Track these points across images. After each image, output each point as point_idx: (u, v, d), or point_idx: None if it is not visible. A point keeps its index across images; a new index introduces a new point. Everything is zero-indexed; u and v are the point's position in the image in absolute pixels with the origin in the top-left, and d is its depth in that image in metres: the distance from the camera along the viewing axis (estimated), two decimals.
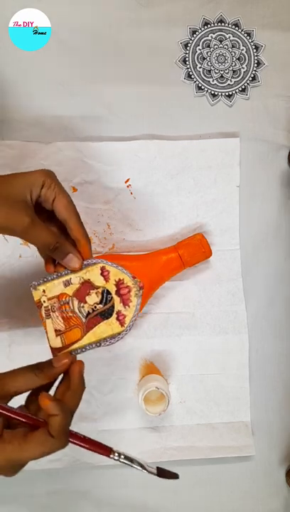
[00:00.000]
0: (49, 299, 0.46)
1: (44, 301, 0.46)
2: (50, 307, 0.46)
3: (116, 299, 0.45)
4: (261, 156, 0.61)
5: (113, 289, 0.45)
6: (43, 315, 0.46)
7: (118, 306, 0.44)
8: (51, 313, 0.46)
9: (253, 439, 0.59)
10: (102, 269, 0.45)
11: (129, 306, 0.45)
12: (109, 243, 0.59)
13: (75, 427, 0.58)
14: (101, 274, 0.45)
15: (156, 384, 0.54)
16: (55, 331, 0.45)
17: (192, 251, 0.52)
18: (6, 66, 0.59)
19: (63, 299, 0.45)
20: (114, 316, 0.44)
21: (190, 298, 0.60)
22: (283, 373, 0.61)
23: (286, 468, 0.60)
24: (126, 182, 0.59)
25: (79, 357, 0.45)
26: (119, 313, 0.44)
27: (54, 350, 0.46)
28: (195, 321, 0.60)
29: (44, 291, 0.46)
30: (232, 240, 0.60)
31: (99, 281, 0.45)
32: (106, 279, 0.45)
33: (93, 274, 0.45)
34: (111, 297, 0.45)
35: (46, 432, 0.38)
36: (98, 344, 0.45)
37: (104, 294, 0.45)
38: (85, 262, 0.45)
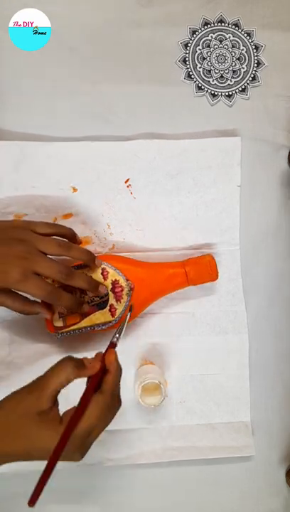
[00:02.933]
0: (58, 286, 0.51)
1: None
2: None
3: (111, 295, 0.53)
4: (261, 156, 0.61)
5: (109, 287, 0.53)
6: None
7: (112, 300, 0.53)
8: None
9: (253, 439, 0.59)
10: (103, 269, 0.53)
11: (120, 302, 0.53)
12: (109, 243, 0.59)
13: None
14: (102, 273, 0.53)
15: (152, 375, 0.54)
16: (59, 313, 0.53)
17: (199, 270, 0.55)
18: (6, 66, 0.59)
19: (68, 288, 0.51)
20: (108, 308, 0.53)
21: (190, 298, 0.60)
22: (283, 373, 0.61)
23: (286, 468, 0.60)
24: (126, 182, 0.59)
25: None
26: (111, 306, 0.53)
27: (53, 329, 0.53)
28: (195, 321, 0.60)
29: (53, 280, 0.51)
30: (232, 240, 0.60)
31: (99, 278, 0.53)
32: (105, 278, 0.53)
33: (95, 273, 0.53)
34: (107, 293, 0.52)
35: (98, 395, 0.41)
36: (92, 328, 0.53)
37: None
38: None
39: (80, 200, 0.59)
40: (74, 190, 0.59)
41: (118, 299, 0.53)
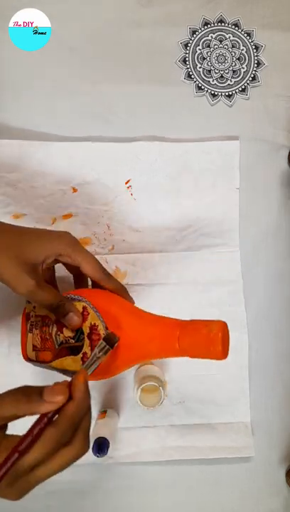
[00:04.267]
0: (36, 316, 0.48)
1: (32, 316, 0.48)
2: (34, 323, 0.48)
3: (86, 341, 0.44)
4: (261, 156, 0.61)
5: (86, 331, 0.44)
6: (27, 328, 0.48)
7: (86, 347, 0.44)
8: (34, 329, 0.48)
9: (253, 439, 0.59)
10: (84, 308, 0.45)
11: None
12: (109, 244, 0.59)
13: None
14: (82, 312, 0.45)
15: (153, 377, 0.54)
16: (33, 346, 0.47)
17: (194, 341, 0.41)
18: (6, 66, 0.59)
19: (46, 321, 0.47)
20: (80, 355, 0.44)
21: (189, 298, 0.60)
22: (283, 373, 0.61)
23: (286, 468, 0.60)
24: (126, 183, 0.59)
25: None
26: (84, 354, 0.44)
27: (26, 358, 0.48)
28: None
29: (34, 307, 0.48)
30: (231, 242, 0.60)
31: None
32: (85, 319, 0.44)
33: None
34: (83, 337, 0.44)
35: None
36: (63, 372, 0.45)
37: (78, 333, 0.45)
38: (73, 296, 0.46)
39: (80, 201, 0.59)
40: (74, 190, 0.59)
41: (93, 349, 0.42)
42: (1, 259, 0.41)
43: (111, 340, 0.41)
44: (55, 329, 0.46)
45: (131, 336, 0.43)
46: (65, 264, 0.47)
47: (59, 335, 0.46)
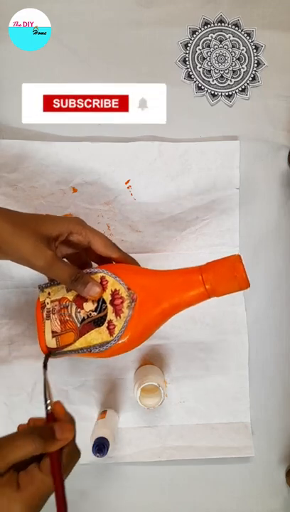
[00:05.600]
0: (52, 302, 0.47)
1: (47, 303, 0.47)
2: (51, 309, 0.47)
3: (110, 309, 0.44)
4: (261, 156, 0.61)
5: (108, 299, 0.44)
6: (44, 316, 0.47)
7: (110, 315, 0.44)
8: (51, 314, 0.47)
9: (253, 439, 0.59)
10: (102, 278, 0.45)
11: (120, 317, 0.43)
12: None
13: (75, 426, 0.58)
14: (101, 283, 0.45)
15: (151, 377, 0.54)
16: (52, 332, 0.46)
17: (221, 280, 0.42)
18: (6, 66, 0.59)
19: (64, 303, 0.46)
20: (105, 324, 0.44)
21: None
22: (282, 373, 0.61)
23: (285, 469, 0.60)
24: (126, 183, 0.59)
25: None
26: (110, 322, 0.44)
27: (46, 349, 0.47)
28: (195, 321, 0.60)
29: (49, 293, 0.47)
30: (231, 242, 0.60)
31: None
32: (104, 287, 0.45)
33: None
34: (106, 306, 0.44)
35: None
36: (89, 350, 0.45)
37: (100, 303, 0.45)
38: (88, 270, 0.46)
39: (80, 201, 0.59)
40: (74, 190, 0.59)
41: (117, 314, 0.43)
42: (19, 234, 0.42)
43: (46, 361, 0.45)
44: (74, 307, 0.46)
45: (156, 293, 0.43)
46: (74, 245, 0.47)
47: (79, 312, 0.45)
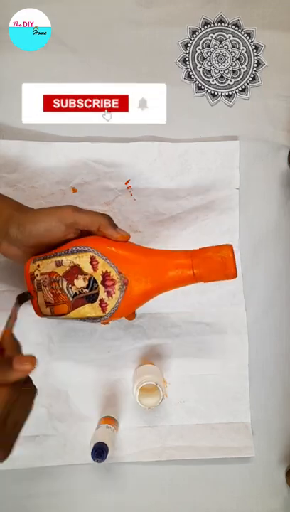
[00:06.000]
0: (41, 274, 0.48)
1: (37, 275, 0.49)
2: (41, 281, 0.49)
3: (101, 288, 0.46)
4: (261, 156, 0.61)
5: (99, 279, 0.46)
6: (35, 287, 0.49)
7: (102, 294, 0.46)
8: (42, 287, 0.49)
9: (253, 439, 0.59)
10: (92, 258, 0.46)
11: (111, 297, 0.46)
12: None
13: (75, 426, 0.58)
14: (91, 262, 0.46)
15: (151, 377, 0.54)
16: (45, 302, 0.49)
17: (210, 266, 0.44)
18: (6, 66, 0.59)
19: (54, 277, 0.48)
20: (98, 302, 0.46)
21: (189, 298, 0.60)
22: (282, 373, 0.61)
23: (285, 469, 0.60)
24: (126, 183, 0.59)
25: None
26: (102, 300, 0.46)
27: (41, 315, 0.50)
28: (195, 321, 0.60)
29: (39, 266, 0.49)
30: (231, 242, 0.59)
31: (87, 268, 0.46)
32: (95, 268, 0.46)
33: (83, 261, 0.46)
34: (97, 285, 0.46)
35: None
36: (82, 320, 0.48)
37: (91, 281, 0.46)
38: (78, 248, 0.47)
39: (80, 201, 0.59)
40: (74, 190, 0.59)
41: (109, 294, 0.46)
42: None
43: (24, 298, 0.48)
44: (65, 283, 0.47)
45: (146, 275, 0.45)
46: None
47: (71, 287, 0.47)
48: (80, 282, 0.47)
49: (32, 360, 0.39)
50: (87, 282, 0.46)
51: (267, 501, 0.60)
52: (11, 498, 0.58)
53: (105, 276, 0.46)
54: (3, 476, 0.57)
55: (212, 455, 0.58)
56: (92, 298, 0.46)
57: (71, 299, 0.48)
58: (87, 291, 0.47)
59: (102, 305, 0.46)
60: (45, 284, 0.48)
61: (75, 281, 0.47)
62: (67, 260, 0.47)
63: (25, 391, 0.40)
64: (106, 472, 0.59)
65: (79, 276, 0.47)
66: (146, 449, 0.58)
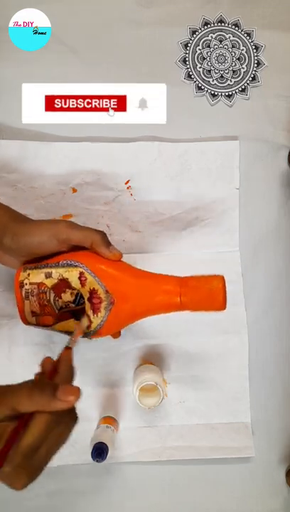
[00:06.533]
0: (30, 284, 0.48)
1: (26, 284, 0.49)
2: (30, 291, 0.48)
3: (88, 305, 0.46)
4: (261, 156, 0.61)
5: (86, 295, 0.46)
6: (23, 295, 0.49)
7: (88, 310, 0.46)
8: (30, 296, 0.48)
9: (253, 439, 0.59)
10: (81, 274, 0.46)
11: (97, 315, 0.46)
12: None
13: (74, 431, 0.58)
14: (79, 278, 0.46)
15: (151, 377, 0.54)
16: (31, 312, 0.48)
17: (197, 297, 0.43)
18: (6, 66, 0.59)
19: (42, 288, 0.48)
20: (84, 318, 0.46)
21: None
22: (282, 373, 0.61)
23: (285, 469, 0.60)
24: (126, 183, 0.59)
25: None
26: (88, 317, 0.46)
27: (26, 323, 0.49)
28: (195, 321, 0.60)
29: (29, 275, 0.49)
30: (231, 242, 0.60)
31: (75, 283, 0.46)
32: (83, 284, 0.46)
33: (71, 275, 0.46)
34: (84, 301, 0.46)
35: None
36: (66, 333, 0.48)
37: (78, 297, 0.46)
38: (68, 262, 0.47)
39: (80, 201, 0.59)
40: (74, 190, 0.59)
41: (95, 311, 0.45)
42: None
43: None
44: (52, 295, 0.47)
45: (133, 294, 0.45)
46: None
47: (58, 300, 0.47)
48: (67, 296, 0.47)
49: (77, 392, 0.37)
50: (74, 297, 0.47)
51: (267, 501, 0.60)
52: (10, 498, 0.58)
53: (92, 293, 0.45)
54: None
55: (212, 455, 0.58)
56: (77, 313, 0.46)
57: (56, 311, 0.48)
58: (74, 305, 0.47)
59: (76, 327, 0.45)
60: (33, 294, 0.48)
61: (62, 294, 0.47)
62: (57, 273, 0.47)
63: (65, 420, 0.38)
64: (106, 472, 0.59)
65: (66, 290, 0.47)
66: (146, 449, 0.58)
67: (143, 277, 0.46)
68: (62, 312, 0.47)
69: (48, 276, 0.47)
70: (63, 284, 0.47)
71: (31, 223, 0.48)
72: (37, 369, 0.42)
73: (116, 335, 0.53)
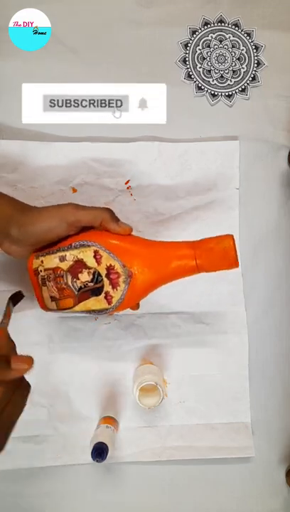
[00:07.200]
0: (45, 270, 0.49)
1: (41, 271, 0.49)
2: (46, 277, 0.49)
3: (106, 281, 0.47)
4: (261, 156, 0.61)
5: (104, 272, 0.46)
6: (39, 282, 0.50)
7: (107, 287, 0.47)
8: (47, 282, 0.49)
9: (253, 439, 0.59)
10: (95, 252, 0.47)
11: (116, 290, 0.46)
12: None
13: (75, 426, 0.58)
14: (94, 256, 0.47)
15: (151, 377, 0.54)
16: (50, 297, 0.49)
17: (212, 256, 0.44)
18: (6, 66, 0.59)
19: (58, 272, 0.48)
20: (103, 295, 0.47)
21: (189, 298, 0.60)
22: (282, 373, 0.61)
23: (285, 469, 0.60)
24: (126, 183, 0.59)
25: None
26: (107, 293, 0.47)
27: (47, 309, 0.51)
28: (195, 321, 0.60)
29: (42, 261, 0.49)
30: None
31: (91, 262, 0.47)
32: (99, 262, 0.47)
33: (86, 255, 0.47)
34: (102, 279, 0.47)
35: None
36: (88, 313, 0.49)
37: (95, 275, 0.47)
38: (81, 243, 0.47)
39: (80, 201, 0.58)
40: (74, 190, 0.59)
41: (114, 286, 0.46)
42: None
43: (17, 297, 0.49)
44: (70, 277, 0.48)
45: (150, 267, 0.46)
46: None
47: (76, 281, 0.48)
48: (85, 276, 0.47)
49: (29, 360, 0.39)
50: (91, 276, 0.47)
51: (267, 501, 0.60)
52: (10, 497, 0.58)
53: (109, 269, 0.46)
54: (3, 475, 0.57)
55: (212, 455, 0.58)
56: (97, 291, 0.47)
57: (76, 293, 0.48)
58: (92, 284, 0.47)
59: (108, 298, 0.47)
60: (50, 279, 0.49)
61: (80, 275, 0.47)
62: (71, 255, 0.47)
63: (19, 389, 0.40)
64: (106, 472, 0.59)
65: (83, 270, 0.47)
66: (146, 449, 0.58)
67: (157, 246, 0.47)
68: (82, 292, 0.48)
69: (63, 259, 0.48)
70: (79, 264, 0.47)
71: (37, 211, 0.47)
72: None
73: (136, 307, 0.53)
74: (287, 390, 0.61)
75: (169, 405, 0.59)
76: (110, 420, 0.57)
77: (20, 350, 0.58)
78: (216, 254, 0.44)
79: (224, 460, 0.58)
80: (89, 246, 0.47)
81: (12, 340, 0.43)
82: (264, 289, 0.61)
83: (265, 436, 0.60)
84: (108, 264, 0.46)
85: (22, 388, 0.41)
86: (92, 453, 0.52)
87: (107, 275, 0.46)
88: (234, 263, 0.44)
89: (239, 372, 0.60)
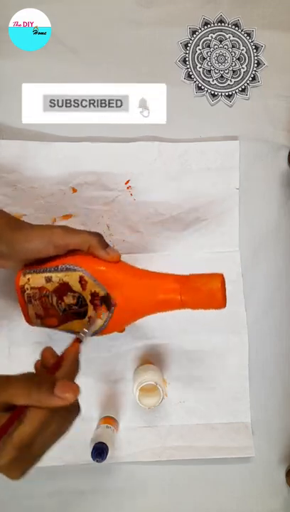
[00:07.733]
0: (32, 288, 0.49)
1: (27, 289, 0.49)
2: (32, 295, 0.49)
3: (90, 306, 0.46)
4: (261, 156, 0.61)
5: (88, 298, 0.46)
6: (25, 300, 0.49)
7: (91, 312, 0.47)
8: (32, 300, 0.49)
9: (253, 439, 0.59)
10: (81, 277, 0.46)
11: (100, 317, 0.46)
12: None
13: (75, 426, 0.58)
14: (80, 281, 0.46)
15: (151, 377, 0.54)
16: (36, 314, 0.49)
17: (197, 296, 0.43)
18: (6, 66, 0.59)
19: (44, 292, 0.48)
20: (87, 318, 0.47)
21: None
22: (282, 373, 0.61)
23: (285, 469, 0.60)
24: (126, 183, 0.59)
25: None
26: (90, 318, 0.47)
27: (30, 323, 0.51)
28: (195, 321, 0.60)
29: (29, 279, 0.49)
30: (231, 242, 0.60)
31: (76, 287, 0.47)
32: (84, 287, 0.46)
33: (72, 279, 0.47)
34: (86, 303, 0.47)
35: None
36: (71, 332, 0.49)
37: (80, 299, 0.47)
38: (68, 266, 0.47)
39: (80, 201, 0.59)
40: (74, 190, 0.59)
41: (98, 312, 0.46)
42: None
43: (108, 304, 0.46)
44: (55, 298, 0.48)
45: (134, 294, 0.45)
46: None
47: (60, 303, 0.48)
48: (69, 299, 0.47)
49: (75, 389, 0.37)
50: (76, 300, 0.47)
51: (267, 501, 0.60)
52: (10, 498, 0.58)
53: (94, 296, 0.46)
54: (3, 476, 0.57)
55: (212, 455, 0.58)
56: (80, 314, 0.47)
57: (60, 313, 0.48)
58: (76, 307, 0.47)
59: (91, 321, 0.46)
60: (36, 298, 0.49)
61: (64, 297, 0.47)
62: (57, 277, 0.47)
63: (64, 414, 0.37)
64: (106, 472, 0.59)
65: (68, 293, 0.47)
66: (146, 449, 0.58)
67: (144, 277, 0.47)
68: (66, 314, 0.48)
69: (48, 280, 0.48)
70: (64, 287, 0.47)
71: (26, 229, 0.47)
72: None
73: (120, 330, 0.54)
74: (287, 390, 0.61)
75: (169, 405, 0.59)
76: (110, 420, 0.57)
77: (21, 350, 0.59)
78: (202, 294, 0.43)
79: (224, 460, 0.58)
80: (75, 270, 0.46)
81: (78, 365, 0.40)
82: (264, 290, 0.61)
83: (265, 436, 0.60)
84: (92, 291, 0.46)
85: (68, 414, 0.38)
86: (92, 453, 0.52)
87: (92, 301, 0.46)
88: (220, 304, 0.43)
89: (239, 372, 0.60)
